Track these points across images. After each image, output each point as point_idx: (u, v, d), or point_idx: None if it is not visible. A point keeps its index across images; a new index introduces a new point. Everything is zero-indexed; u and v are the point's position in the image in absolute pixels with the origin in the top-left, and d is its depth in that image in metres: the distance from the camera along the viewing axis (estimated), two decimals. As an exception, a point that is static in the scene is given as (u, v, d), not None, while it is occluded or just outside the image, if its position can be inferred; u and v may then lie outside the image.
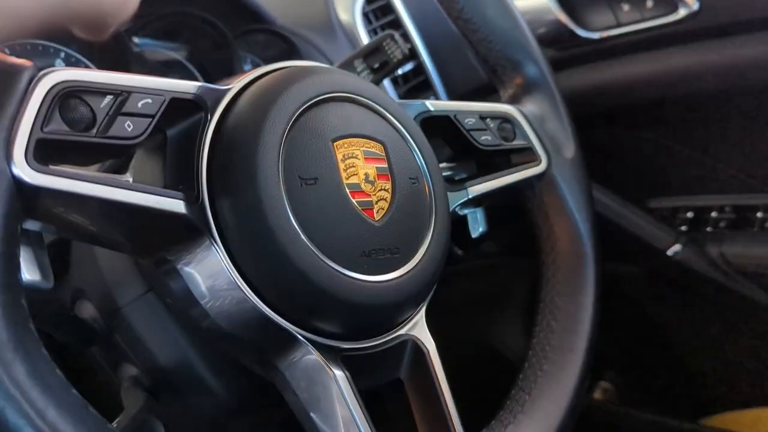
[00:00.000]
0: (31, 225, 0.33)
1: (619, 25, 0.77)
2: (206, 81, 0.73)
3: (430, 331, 0.45)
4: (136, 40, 0.71)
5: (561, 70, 0.81)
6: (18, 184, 0.29)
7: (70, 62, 0.65)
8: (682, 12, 0.72)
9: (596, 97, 0.82)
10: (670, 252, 0.82)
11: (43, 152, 0.31)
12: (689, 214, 0.84)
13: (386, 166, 0.42)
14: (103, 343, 0.48)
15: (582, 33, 0.79)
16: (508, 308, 1.04)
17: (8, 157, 0.29)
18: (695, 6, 0.71)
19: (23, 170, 0.29)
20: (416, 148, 0.45)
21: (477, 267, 1.01)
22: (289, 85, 0.40)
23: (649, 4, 0.74)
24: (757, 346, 0.84)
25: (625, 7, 0.76)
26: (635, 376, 0.98)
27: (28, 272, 0.33)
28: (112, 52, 0.66)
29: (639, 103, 0.83)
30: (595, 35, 0.78)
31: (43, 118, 0.30)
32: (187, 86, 0.38)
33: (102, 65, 0.66)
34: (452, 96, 0.87)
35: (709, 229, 0.82)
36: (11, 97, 0.30)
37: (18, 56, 0.61)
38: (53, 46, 0.64)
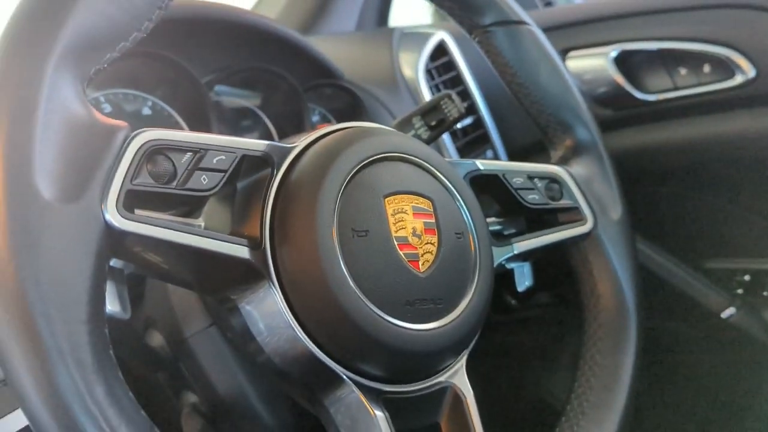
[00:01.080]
0: (115, 263, 0.37)
1: (675, 88, 0.78)
2: (276, 128, 0.79)
3: (477, 377, 0.47)
4: (216, 88, 0.77)
5: (617, 129, 0.83)
6: (108, 228, 0.34)
7: (155, 109, 0.72)
8: (738, 78, 0.73)
9: (652, 156, 0.84)
10: (724, 314, 0.81)
11: (131, 200, 0.35)
12: (746, 277, 0.83)
13: (433, 221, 0.45)
14: (169, 370, 0.52)
15: (639, 95, 0.81)
16: (559, 360, 1.04)
17: (103, 205, 0.34)
18: (752, 73, 0.72)
19: (114, 217, 0.34)
20: (463, 205, 0.48)
21: (531, 317, 1.02)
22: (348, 145, 0.44)
23: (706, 69, 0.76)
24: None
25: (683, 71, 0.77)
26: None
27: (110, 304, 0.37)
28: (193, 101, 0.72)
29: (696, 164, 0.83)
30: (652, 97, 0.80)
31: (133, 172, 0.35)
32: (257, 144, 0.42)
33: (182, 112, 0.72)
34: (509, 150, 0.90)
35: (765, 293, 0.81)
36: (108, 153, 0.35)
37: (113, 104, 0.68)
38: (142, 95, 0.71)
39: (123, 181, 0.35)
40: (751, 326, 0.80)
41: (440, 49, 0.89)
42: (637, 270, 0.57)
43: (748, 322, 0.80)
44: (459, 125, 0.88)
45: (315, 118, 0.83)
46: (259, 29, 0.77)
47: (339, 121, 0.83)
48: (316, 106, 0.83)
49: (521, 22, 0.58)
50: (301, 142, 0.44)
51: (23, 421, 0.44)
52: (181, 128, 0.72)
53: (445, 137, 0.84)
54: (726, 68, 0.74)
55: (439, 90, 0.88)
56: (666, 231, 0.86)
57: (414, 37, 0.90)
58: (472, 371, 0.47)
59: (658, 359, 0.90)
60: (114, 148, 0.35)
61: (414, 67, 0.85)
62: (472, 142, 0.89)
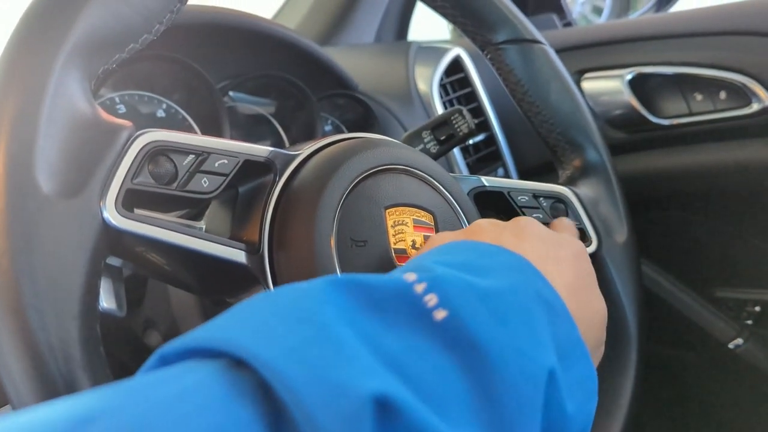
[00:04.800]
0: (113, 261, 0.38)
1: (690, 114, 0.78)
2: (289, 136, 0.80)
3: None
4: (231, 94, 0.78)
5: (630, 152, 0.83)
6: (106, 225, 0.34)
7: (170, 113, 0.72)
8: (755, 106, 0.73)
9: (665, 181, 0.83)
10: (731, 345, 0.80)
11: (131, 199, 0.36)
12: (756, 308, 0.82)
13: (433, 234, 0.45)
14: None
15: (653, 119, 0.80)
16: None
17: (101, 202, 0.34)
18: (768, 101, 0.72)
19: (111, 214, 0.34)
20: (465, 221, 0.47)
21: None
22: (352, 155, 0.44)
23: (722, 95, 0.75)
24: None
25: (698, 97, 0.77)
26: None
27: (106, 301, 0.37)
28: (207, 106, 0.72)
29: (708, 191, 0.83)
30: (666, 122, 0.79)
31: (134, 171, 0.36)
32: (261, 150, 0.42)
33: (196, 116, 0.73)
34: (520, 169, 0.89)
35: (775, 325, 0.80)
36: (110, 152, 0.35)
37: (128, 105, 0.69)
38: (157, 97, 0.72)
39: (123, 180, 0.35)
40: (758, 358, 0.78)
41: (456, 65, 0.90)
42: (641, 294, 0.56)
43: (756, 354, 0.79)
44: (471, 141, 0.88)
45: (327, 128, 0.83)
46: (275, 37, 0.77)
47: (352, 132, 0.84)
48: (329, 115, 0.83)
49: (534, 41, 0.58)
50: (305, 149, 0.45)
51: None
52: (194, 132, 0.73)
53: (456, 153, 0.84)
54: (742, 96, 0.73)
55: (452, 105, 0.88)
56: (676, 257, 0.85)
57: (430, 51, 0.90)
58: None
59: (662, 386, 0.88)
60: (116, 147, 0.35)
61: (428, 81, 0.85)
62: (484, 159, 0.88)
